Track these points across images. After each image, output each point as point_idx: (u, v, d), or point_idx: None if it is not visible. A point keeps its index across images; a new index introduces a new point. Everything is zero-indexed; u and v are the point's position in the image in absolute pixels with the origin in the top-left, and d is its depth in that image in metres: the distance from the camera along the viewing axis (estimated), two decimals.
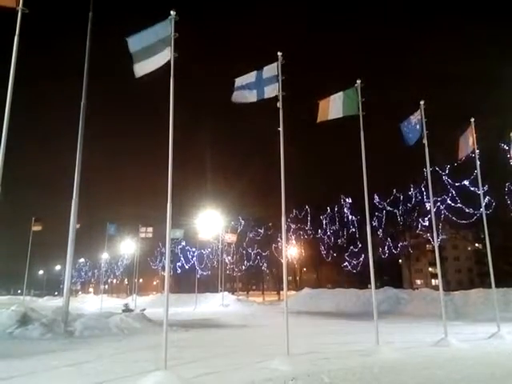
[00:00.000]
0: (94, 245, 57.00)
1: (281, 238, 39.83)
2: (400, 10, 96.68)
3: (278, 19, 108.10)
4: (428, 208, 33.98)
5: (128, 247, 49.35)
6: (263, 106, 8.76)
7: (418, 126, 10.90)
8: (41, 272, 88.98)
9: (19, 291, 62.02)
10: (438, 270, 11.25)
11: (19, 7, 8.38)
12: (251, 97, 8.51)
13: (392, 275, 53.55)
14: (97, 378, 6.22)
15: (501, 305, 14.61)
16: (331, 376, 5.95)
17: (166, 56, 7.23)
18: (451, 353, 8.11)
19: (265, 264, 58.26)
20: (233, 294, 38.96)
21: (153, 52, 7.30)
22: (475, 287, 31.40)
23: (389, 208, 43.49)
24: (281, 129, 8.33)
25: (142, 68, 7.32)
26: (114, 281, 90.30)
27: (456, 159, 13.26)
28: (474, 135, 12.16)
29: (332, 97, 9.73)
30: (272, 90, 8.39)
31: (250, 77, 8.52)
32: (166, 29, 7.31)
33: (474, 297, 23.24)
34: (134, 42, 7.37)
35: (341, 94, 9.68)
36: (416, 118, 10.96)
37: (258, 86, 8.46)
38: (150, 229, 36.43)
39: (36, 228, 31.31)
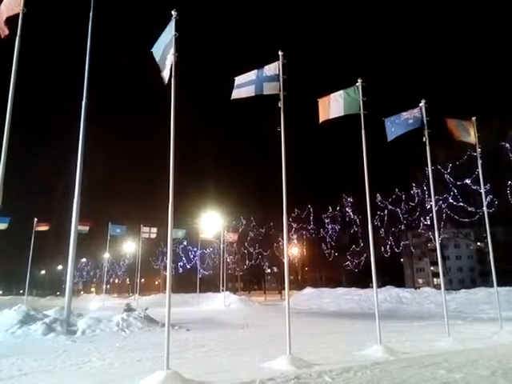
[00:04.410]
0: (96, 245, 57.11)
1: (282, 238, 39.82)
2: (400, 9, 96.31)
3: (278, 18, 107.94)
4: (430, 207, 33.92)
5: (130, 247, 49.53)
6: (265, 105, 8.74)
7: (410, 121, 10.56)
8: (43, 272, 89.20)
9: (21, 291, 62.22)
10: (440, 269, 11.23)
11: (20, 8, 8.42)
12: (249, 92, 8.36)
13: (394, 274, 53.59)
14: (99, 377, 6.24)
15: (503, 304, 14.57)
16: (333, 376, 5.95)
17: (171, 57, 7.22)
18: (453, 352, 8.10)
19: (266, 263, 58.34)
20: (234, 293, 38.93)
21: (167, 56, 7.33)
22: (477, 286, 31.45)
23: (391, 207, 43.47)
24: (282, 128, 8.28)
25: (167, 73, 7.31)
26: (116, 280, 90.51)
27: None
28: (476, 134, 12.11)
29: (332, 95, 9.66)
30: (272, 88, 8.30)
31: (251, 75, 8.42)
32: (170, 31, 7.32)
33: (476, 296, 23.22)
34: (156, 51, 7.56)
35: (341, 92, 9.60)
36: (410, 115, 10.64)
37: (257, 82, 8.37)
38: (154, 229, 36.64)
39: (42, 228, 31.57)
